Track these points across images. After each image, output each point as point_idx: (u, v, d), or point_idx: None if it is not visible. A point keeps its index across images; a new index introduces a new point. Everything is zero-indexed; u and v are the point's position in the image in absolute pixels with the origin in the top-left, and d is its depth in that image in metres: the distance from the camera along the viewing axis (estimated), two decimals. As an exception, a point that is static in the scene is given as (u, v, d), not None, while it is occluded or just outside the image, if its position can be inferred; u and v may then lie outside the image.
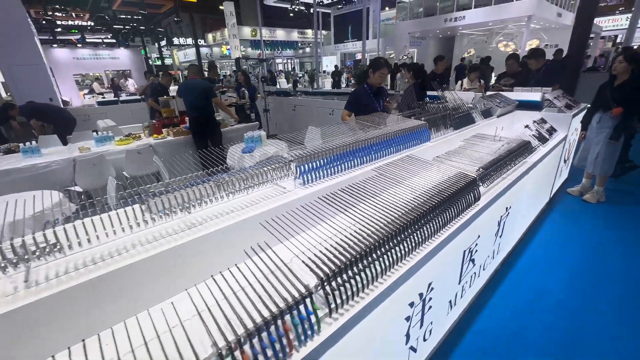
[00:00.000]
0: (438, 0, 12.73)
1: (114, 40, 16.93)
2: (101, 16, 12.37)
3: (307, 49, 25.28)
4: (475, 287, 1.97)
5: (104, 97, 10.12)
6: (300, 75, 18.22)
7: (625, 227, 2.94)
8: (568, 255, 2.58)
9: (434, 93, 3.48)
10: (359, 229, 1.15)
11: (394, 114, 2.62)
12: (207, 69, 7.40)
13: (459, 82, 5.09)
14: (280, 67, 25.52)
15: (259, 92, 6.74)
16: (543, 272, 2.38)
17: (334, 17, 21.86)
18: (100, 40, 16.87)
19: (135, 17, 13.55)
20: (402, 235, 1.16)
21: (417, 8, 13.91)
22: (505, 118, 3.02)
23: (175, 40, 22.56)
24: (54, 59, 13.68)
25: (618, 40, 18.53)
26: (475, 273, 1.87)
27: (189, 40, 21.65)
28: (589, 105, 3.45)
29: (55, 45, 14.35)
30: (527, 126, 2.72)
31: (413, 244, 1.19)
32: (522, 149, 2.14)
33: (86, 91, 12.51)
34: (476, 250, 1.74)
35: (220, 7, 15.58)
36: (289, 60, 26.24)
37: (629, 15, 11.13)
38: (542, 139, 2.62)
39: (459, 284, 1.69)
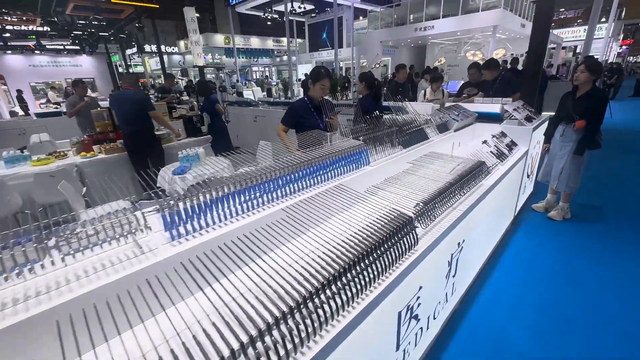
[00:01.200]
0: (409, 9, 12.87)
1: (77, 47, 15.93)
2: (53, 21, 11.50)
3: (285, 57, 25.04)
4: (423, 343, 1.63)
5: (57, 107, 9.33)
6: (275, 83, 17.87)
7: (592, 248, 2.74)
8: (532, 287, 2.31)
9: (392, 104, 3.21)
10: (227, 314, 0.77)
11: (336, 132, 2.29)
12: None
13: (422, 92, 4.91)
14: (258, 74, 25.09)
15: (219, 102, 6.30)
16: (506, 310, 2.09)
17: (308, 25, 21.85)
18: (62, 47, 15.83)
19: (95, 22, 12.77)
20: (292, 320, 0.80)
21: (389, 18, 14.02)
22: (464, 132, 2.77)
23: (147, 48, 21.78)
24: (5, 66, 12.74)
25: (578, 50, 19.63)
26: (422, 328, 1.53)
27: (162, 48, 20.90)
28: (551, 116, 3.28)
29: (10, 52, 13.34)
30: (485, 142, 2.47)
31: (310, 329, 0.82)
32: (476, 172, 1.85)
33: (43, 100, 11.57)
34: (419, 304, 1.41)
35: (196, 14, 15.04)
36: (266, 68, 25.91)
37: (587, 27, 11.63)
38: (501, 156, 2.37)
39: (398, 350, 1.34)
